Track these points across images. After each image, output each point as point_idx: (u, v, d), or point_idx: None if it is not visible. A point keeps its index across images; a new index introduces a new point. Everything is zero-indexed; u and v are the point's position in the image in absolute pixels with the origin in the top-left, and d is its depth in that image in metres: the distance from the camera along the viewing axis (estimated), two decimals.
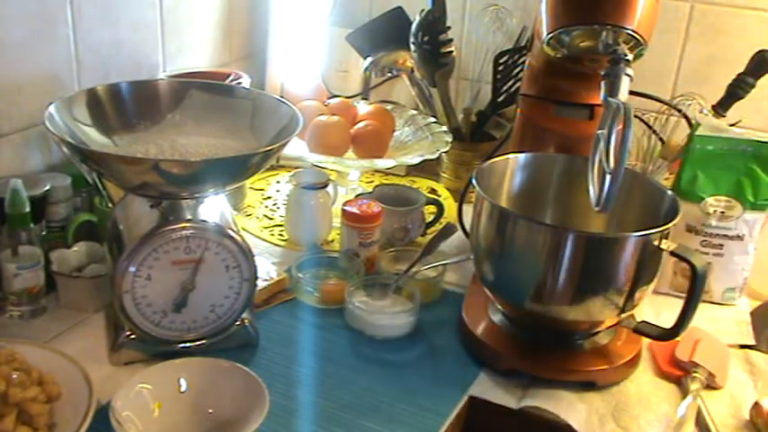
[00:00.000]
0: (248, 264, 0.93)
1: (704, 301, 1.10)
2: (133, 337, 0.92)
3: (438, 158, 1.38)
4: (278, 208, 1.38)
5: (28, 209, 0.97)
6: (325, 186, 1.26)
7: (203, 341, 0.95)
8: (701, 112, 1.23)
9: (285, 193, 1.34)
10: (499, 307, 1.03)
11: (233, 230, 0.93)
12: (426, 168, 1.47)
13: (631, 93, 0.90)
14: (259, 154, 0.91)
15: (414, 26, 1.40)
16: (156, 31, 1.35)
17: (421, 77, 1.47)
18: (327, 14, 1.60)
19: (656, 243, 0.89)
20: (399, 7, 1.49)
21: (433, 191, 1.49)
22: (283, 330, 1.03)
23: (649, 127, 1.28)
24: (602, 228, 1.06)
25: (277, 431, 0.84)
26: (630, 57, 0.92)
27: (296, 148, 1.28)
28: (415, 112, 1.46)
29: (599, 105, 1.05)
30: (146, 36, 1.33)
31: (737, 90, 1.21)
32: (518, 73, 1.44)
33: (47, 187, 1.05)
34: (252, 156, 0.91)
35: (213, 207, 0.95)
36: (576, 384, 0.95)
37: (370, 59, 1.50)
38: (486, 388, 0.94)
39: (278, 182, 1.48)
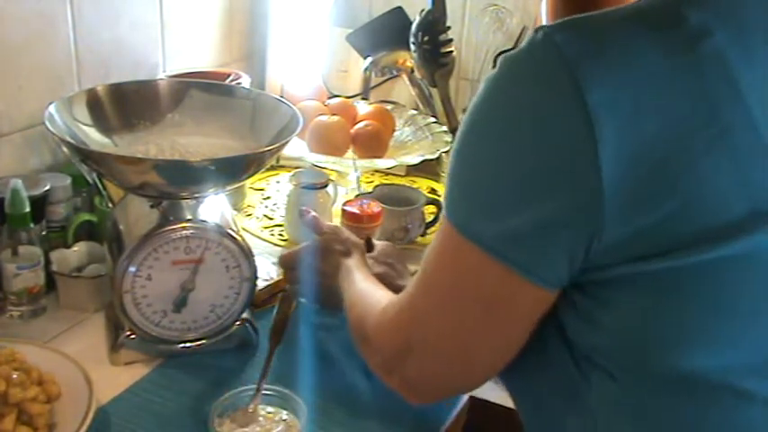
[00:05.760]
0: (248, 264, 0.93)
1: None
2: (133, 337, 0.92)
3: (438, 158, 1.37)
4: (278, 208, 1.38)
5: (28, 209, 0.97)
6: (325, 186, 1.26)
7: (203, 341, 0.95)
8: None
9: (285, 193, 1.34)
10: None
11: (233, 230, 0.93)
12: (426, 168, 1.47)
13: None
14: (259, 154, 0.91)
15: (414, 26, 1.40)
16: (156, 31, 1.35)
17: (421, 77, 1.47)
18: (327, 14, 1.60)
19: None
20: (399, 7, 1.49)
21: (433, 191, 1.49)
22: None
23: None
24: None
25: None
26: None
27: (296, 148, 1.28)
28: (415, 112, 1.46)
29: None
30: (146, 36, 1.33)
31: None
32: None
33: (47, 187, 1.05)
34: (252, 156, 0.91)
35: (213, 207, 0.95)
36: None
37: (370, 59, 1.50)
38: (486, 388, 0.93)
39: (278, 182, 1.48)
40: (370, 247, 1.02)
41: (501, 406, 0.92)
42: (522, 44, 0.56)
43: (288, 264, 0.98)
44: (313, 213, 1.02)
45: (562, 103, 0.52)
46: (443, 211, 0.61)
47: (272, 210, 1.38)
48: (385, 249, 1.01)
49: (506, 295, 0.58)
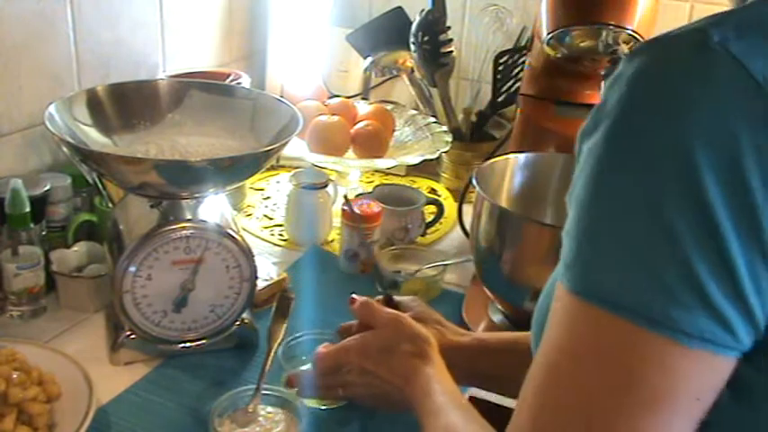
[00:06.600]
0: (248, 264, 0.93)
1: None
2: (133, 337, 0.92)
3: (438, 158, 1.37)
4: (278, 208, 1.38)
5: (28, 209, 0.97)
6: (325, 186, 1.26)
7: (203, 341, 0.95)
8: None
9: (285, 193, 1.34)
10: (499, 307, 1.03)
11: (233, 230, 0.93)
12: (426, 168, 1.47)
13: None
14: (259, 154, 0.91)
15: (414, 26, 1.40)
16: (156, 31, 1.35)
17: (421, 77, 1.47)
18: (327, 14, 1.60)
19: None
20: (399, 7, 1.49)
21: (433, 191, 1.49)
22: None
23: None
24: None
25: None
26: None
27: (296, 148, 1.28)
28: (415, 112, 1.46)
29: None
30: (146, 36, 1.33)
31: None
32: (518, 73, 1.44)
33: (47, 187, 1.05)
34: (252, 156, 0.91)
35: (213, 207, 0.95)
36: None
37: (370, 59, 1.50)
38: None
39: (278, 182, 1.48)
40: (392, 304, 0.90)
41: (501, 406, 0.92)
42: (669, 52, 0.44)
43: (330, 364, 0.80)
44: (363, 299, 0.81)
45: (753, 130, 0.41)
46: (565, 286, 0.47)
47: (272, 210, 1.38)
48: (417, 306, 0.88)
49: (680, 384, 0.43)
